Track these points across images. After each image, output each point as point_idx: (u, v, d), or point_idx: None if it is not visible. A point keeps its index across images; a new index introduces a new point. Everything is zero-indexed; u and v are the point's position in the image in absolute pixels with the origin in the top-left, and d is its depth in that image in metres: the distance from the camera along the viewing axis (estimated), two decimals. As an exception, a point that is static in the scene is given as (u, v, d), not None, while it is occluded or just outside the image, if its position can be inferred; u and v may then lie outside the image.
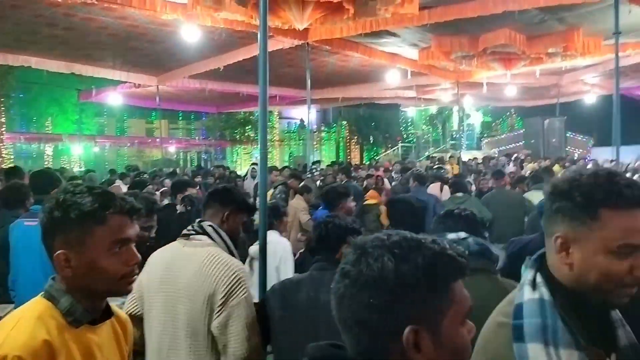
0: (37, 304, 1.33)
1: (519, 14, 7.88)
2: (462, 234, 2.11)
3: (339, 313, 0.91)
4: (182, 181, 6.64)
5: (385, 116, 26.74)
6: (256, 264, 3.55)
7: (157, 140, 16.28)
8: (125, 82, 13.44)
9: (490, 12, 7.67)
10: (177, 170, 14.39)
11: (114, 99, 16.07)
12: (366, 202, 6.70)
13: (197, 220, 2.38)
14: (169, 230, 4.21)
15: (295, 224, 6.25)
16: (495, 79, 13.77)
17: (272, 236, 3.82)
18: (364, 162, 23.54)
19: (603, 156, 14.70)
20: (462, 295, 0.91)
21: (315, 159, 16.48)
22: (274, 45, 9.67)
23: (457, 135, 23.23)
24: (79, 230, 1.32)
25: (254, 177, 9.43)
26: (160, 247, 2.40)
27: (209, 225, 2.31)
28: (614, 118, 7.44)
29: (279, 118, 26.70)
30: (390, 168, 13.35)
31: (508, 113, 26.21)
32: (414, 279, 0.86)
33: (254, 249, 3.70)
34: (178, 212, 5.19)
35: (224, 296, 2.08)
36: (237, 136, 24.76)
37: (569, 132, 18.92)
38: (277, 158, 25.78)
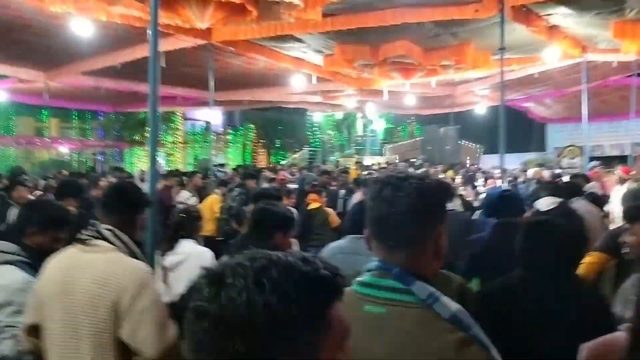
0: None
1: (416, 27, 8.29)
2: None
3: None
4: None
5: (292, 120, 26.90)
6: (172, 276, 3.37)
7: (47, 140, 15.15)
8: (9, 77, 12.38)
9: (390, 23, 7.97)
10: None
11: (-3, 94, 14.74)
12: (310, 207, 6.65)
13: (93, 223, 2.20)
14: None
15: None
16: (395, 88, 14.33)
17: (188, 246, 3.55)
18: (270, 165, 23.51)
19: (491, 163, 15.81)
20: (339, 320, 0.80)
21: (220, 162, 16.22)
22: (175, 44, 9.37)
23: (362, 141, 23.93)
24: None
25: (142, 181, 9.05)
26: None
27: (107, 229, 2.15)
28: (500, 128, 8.04)
29: (184, 119, 25.93)
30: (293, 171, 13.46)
31: (408, 120, 27.39)
32: (288, 314, 0.72)
33: (169, 259, 3.46)
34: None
35: (130, 302, 1.96)
36: (136, 137, 23.69)
37: (462, 140, 20.14)
38: (181, 160, 25.02)
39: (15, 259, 2.41)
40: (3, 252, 2.40)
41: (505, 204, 3.45)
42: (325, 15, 7.60)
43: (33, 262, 2.40)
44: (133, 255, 2.17)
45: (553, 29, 9.04)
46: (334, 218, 6.75)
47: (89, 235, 2.13)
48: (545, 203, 4.76)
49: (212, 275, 0.76)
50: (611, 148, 20.02)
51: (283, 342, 0.72)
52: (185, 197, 7.74)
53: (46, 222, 2.56)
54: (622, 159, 14.64)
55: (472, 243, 3.66)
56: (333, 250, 2.84)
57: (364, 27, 8.28)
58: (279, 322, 0.72)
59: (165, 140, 24.59)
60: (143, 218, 2.34)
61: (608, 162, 14.97)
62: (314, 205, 6.68)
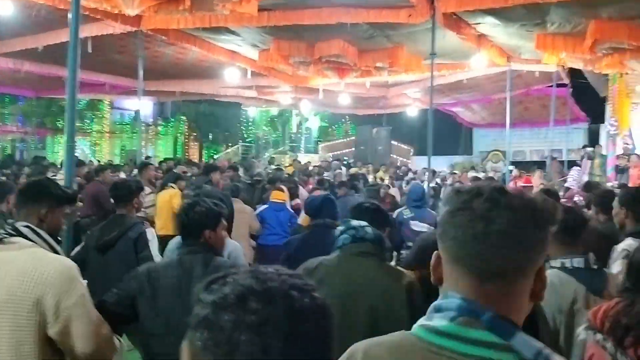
0: None
1: (351, 27, 8.37)
2: (363, 223, 2.43)
3: None
4: None
5: (226, 114, 26.47)
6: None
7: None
8: None
9: (325, 21, 8.02)
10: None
11: None
12: (274, 201, 6.46)
13: (9, 221, 2.15)
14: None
15: (244, 232, 5.69)
16: (330, 87, 14.44)
17: None
18: (202, 159, 23.03)
19: (421, 164, 16.31)
20: None
21: (149, 154, 15.70)
22: (103, 29, 8.99)
23: (296, 138, 23.96)
24: None
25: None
26: None
27: (25, 226, 2.08)
28: (428, 130, 8.30)
29: (111, 108, 24.89)
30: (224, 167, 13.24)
31: (343, 120, 27.73)
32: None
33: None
34: None
35: (58, 298, 1.90)
36: (60, 124, 22.50)
37: (394, 141, 20.63)
38: (107, 151, 24.02)
39: None
40: None
41: (325, 207, 3.83)
42: (261, 9, 7.53)
43: None
44: (54, 251, 2.11)
45: (481, 38, 9.42)
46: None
47: (4, 233, 2.06)
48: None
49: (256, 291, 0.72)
50: (531, 154, 21.15)
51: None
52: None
53: None
54: (541, 164, 15.54)
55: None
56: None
57: (301, 24, 8.28)
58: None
59: (91, 129, 23.52)
60: (63, 213, 2.28)
61: (528, 167, 15.83)
62: (277, 200, 6.55)
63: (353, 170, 14.41)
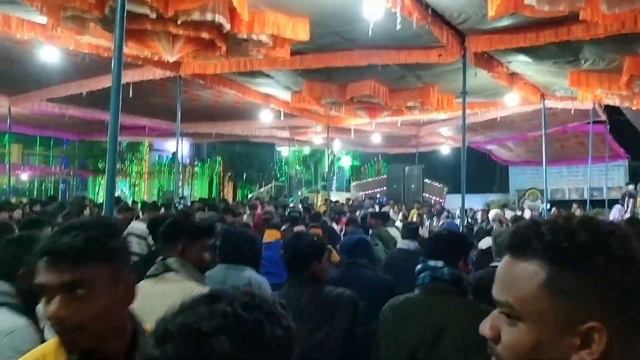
0: (56, 342, 1.26)
1: (382, 68, 8.50)
2: (440, 264, 2.44)
3: None
4: None
5: (260, 154, 26.94)
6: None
7: (6, 166, 14.72)
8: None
9: (356, 63, 8.17)
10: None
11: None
12: (266, 241, 6.47)
13: (159, 258, 2.29)
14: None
15: None
16: (362, 126, 14.57)
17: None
18: (237, 199, 23.33)
19: (455, 202, 16.10)
20: None
21: (185, 194, 16.03)
22: (144, 75, 9.39)
23: (328, 177, 24.07)
24: None
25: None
26: None
27: (175, 261, 2.25)
28: (462, 169, 8.24)
29: (150, 150, 25.66)
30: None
31: (375, 158, 27.78)
32: (289, 346, 0.73)
33: None
34: None
35: None
36: (101, 166, 23.27)
37: (427, 179, 20.48)
38: (145, 191, 24.63)
39: None
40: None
41: (359, 247, 3.89)
42: (294, 53, 7.75)
43: None
44: (202, 284, 2.27)
45: (513, 76, 9.41)
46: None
47: (158, 268, 2.25)
48: (485, 242, 5.15)
49: (180, 329, 0.72)
50: (570, 192, 20.65)
51: None
52: (140, 229, 6.61)
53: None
54: (581, 203, 15.13)
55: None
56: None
57: (332, 66, 8.46)
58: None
59: (130, 170, 24.21)
60: (203, 247, 2.42)
61: (566, 205, 15.44)
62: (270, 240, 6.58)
63: (385, 208, 14.32)
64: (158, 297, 2.06)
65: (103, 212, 3.36)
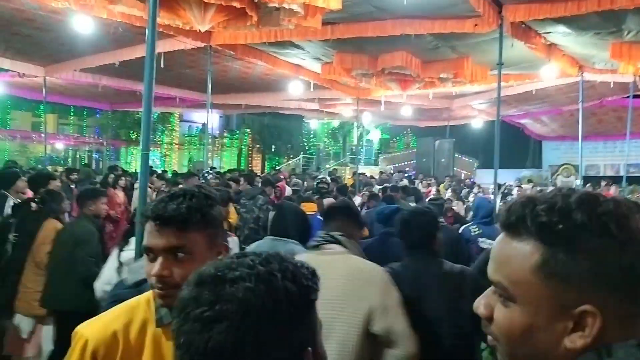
0: (148, 294, 1.40)
1: (415, 38, 8.31)
2: None
3: None
4: (43, 174, 6.17)
5: (289, 126, 26.92)
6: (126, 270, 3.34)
7: (43, 135, 15.07)
8: (8, 70, 12.35)
9: (389, 33, 8.00)
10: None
11: (-6, 87, 14.68)
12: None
13: (324, 232, 2.51)
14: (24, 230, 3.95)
15: None
16: (392, 98, 14.37)
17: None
18: (265, 170, 23.50)
19: (486, 177, 15.86)
20: (317, 317, 0.88)
21: (215, 165, 16.20)
22: (175, 45, 9.40)
23: (357, 150, 23.96)
24: None
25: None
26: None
27: (341, 235, 2.45)
28: (495, 143, 8.07)
29: (180, 121, 25.93)
30: (285, 178, 13.45)
31: (405, 132, 27.47)
32: (302, 296, 0.80)
33: (125, 254, 3.48)
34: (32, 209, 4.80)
35: (382, 298, 2.17)
36: (133, 136, 23.66)
37: (457, 154, 20.19)
38: (176, 162, 24.99)
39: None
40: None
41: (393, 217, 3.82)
42: (325, 23, 7.63)
43: None
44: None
45: (551, 47, 9.10)
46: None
47: (322, 240, 2.43)
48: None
49: (203, 277, 0.79)
50: (605, 168, 20.12)
51: (302, 324, 0.80)
52: (260, 203, 7.04)
53: None
54: (616, 179, 14.71)
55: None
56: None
57: (363, 37, 8.31)
58: (297, 305, 0.79)
59: (162, 141, 24.56)
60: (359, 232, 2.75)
61: (601, 181, 15.04)
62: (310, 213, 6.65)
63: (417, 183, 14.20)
64: (326, 268, 2.20)
65: (137, 182, 3.41)
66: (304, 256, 2.35)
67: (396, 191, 9.13)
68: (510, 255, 0.83)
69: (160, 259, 1.30)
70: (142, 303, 1.40)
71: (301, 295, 0.80)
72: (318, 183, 10.24)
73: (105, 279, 3.38)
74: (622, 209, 0.80)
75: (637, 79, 11.12)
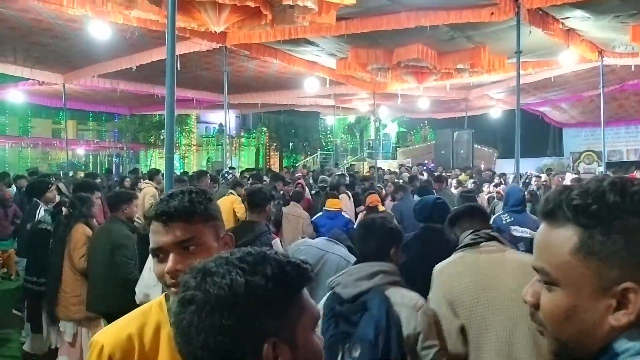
0: (160, 298, 1.46)
1: (430, 30, 8.24)
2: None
3: (188, 346, 0.84)
4: (90, 184, 6.28)
5: (305, 123, 26.96)
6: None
7: (63, 141, 15.32)
8: (28, 79, 12.56)
9: (404, 26, 7.94)
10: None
11: (16, 96, 14.94)
12: (328, 209, 6.49)
13: (474, 230, 2.55)
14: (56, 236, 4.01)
15: (297, 236, 5.94)
16: (409, 91, 14.28)
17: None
18: (283, 168, 23.55)
19: (506, 167, 15.68)
20: (310, 303, 0.92)
21: (233, 165, 16.28)
22: (190, 47, 9.45)
23: (374, 144, 23.89)
24: None
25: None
26: None
27: (492, 232, 2.54)
28: (515, 132, 7.97)
29: (197, 122, 26.12)
30: (304, 175, 13.46)
31: (422, 124, 27.30)
32: (267, 290, 0.84)
33: None
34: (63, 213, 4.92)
35: None
36: (152, 139, 23.90)
37: (477, 144, 19.99)
38: (195, 163, 25.20)
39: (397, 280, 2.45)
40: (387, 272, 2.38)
41: (436, 210, 3.69)
42: (339, 18, 7.60)
43: None
44: None
45: (570, 33, 8.95)
46: None
47: (481, 238, 2.46)
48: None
49: (195, 269, 0.88)
50: (629, 153, 19.75)
51: (265, 315, 0.84)
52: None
53: None
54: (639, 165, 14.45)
55: None
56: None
57: (378, 31, 8.26)
58: (259, 296, 0.84)
59: (180, 143, 24.81)
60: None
61: (626, 167, 14.77)
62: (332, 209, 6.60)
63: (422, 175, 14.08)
64: (502, 267, 2.32)
65: (164, 188, 3.44)
66: (467, 257, 2.42)
67: (439, 181, 9.16)
68: (550, 241, 0.87)
69: (172, 256, 1.33)
70: (155, 306, 1.44)
71: (269, 289, 0.84)
72: (321, 182, 10.06)
73: (145, 282, 3.41)
74: None
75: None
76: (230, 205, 6.76)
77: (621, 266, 0.80)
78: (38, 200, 6.13)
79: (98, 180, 9.59)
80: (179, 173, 14.78)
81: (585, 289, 0.82)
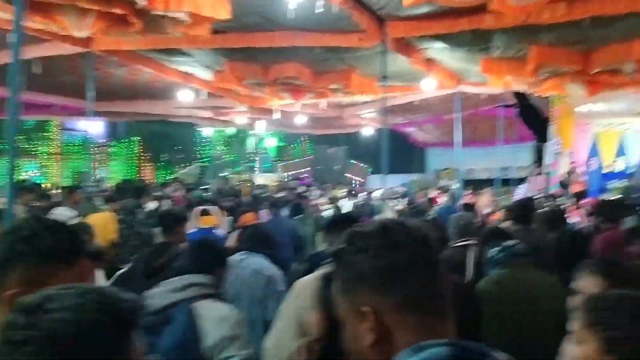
0: None
1: (306, 50, 8.49)
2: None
3: None
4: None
5: (180, 134, 26.07)
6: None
7: None
8: None
9: (278, 44, 8.10)
10: None
11: None
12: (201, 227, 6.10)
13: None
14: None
15: None
16: (287, 107, 14.50)
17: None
18: (156, 180, 22.59)
19: (376, 183, 16.53)
20: (137, 346, 0.91)
21: (102, 176, 15.35)
22: (53, 50, 8.79)
23: (253, 158, 23.87)
24: None
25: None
26: None
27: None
28: (382, 149, 8.47)
29: (62, 129, 24.15)
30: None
31: (301, 138, 27.78)
32: (114, 331, 0.85)
33: None
34: None
35: None
36: (1, 146, 21.61)
37: (352, 160, 20.85)
38: (57, 173, 23.24)
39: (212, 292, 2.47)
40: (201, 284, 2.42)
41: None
42: (215, 31, 7.54)
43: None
44: None
45: (430, 62, 9.72)
46: None
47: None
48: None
49: (27, 306, 0.85)
50: (482, 172, 21.78)
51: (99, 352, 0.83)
52: (67, 215, 6.02)
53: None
54: (490, 182, 16.03)
55: None
56: None
57: (255, 47, 8.33)
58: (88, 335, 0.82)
59: (39, 152, 22.76)
60: None
61: (479, 184, 16.29)
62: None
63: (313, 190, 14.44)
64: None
65: (7, 197, 3.17)
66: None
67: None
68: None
69: None
70: None
71: (114, 326, 0.85)
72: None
73: None
74: (364, 227, 1.10)
75: (505, 91, 12.22)
76: (103, 226, 5.98)
77: (355, 295, 1.03)
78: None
79: None
80: (36, 183, 13.54)
81: (349, 319, 1.05)
